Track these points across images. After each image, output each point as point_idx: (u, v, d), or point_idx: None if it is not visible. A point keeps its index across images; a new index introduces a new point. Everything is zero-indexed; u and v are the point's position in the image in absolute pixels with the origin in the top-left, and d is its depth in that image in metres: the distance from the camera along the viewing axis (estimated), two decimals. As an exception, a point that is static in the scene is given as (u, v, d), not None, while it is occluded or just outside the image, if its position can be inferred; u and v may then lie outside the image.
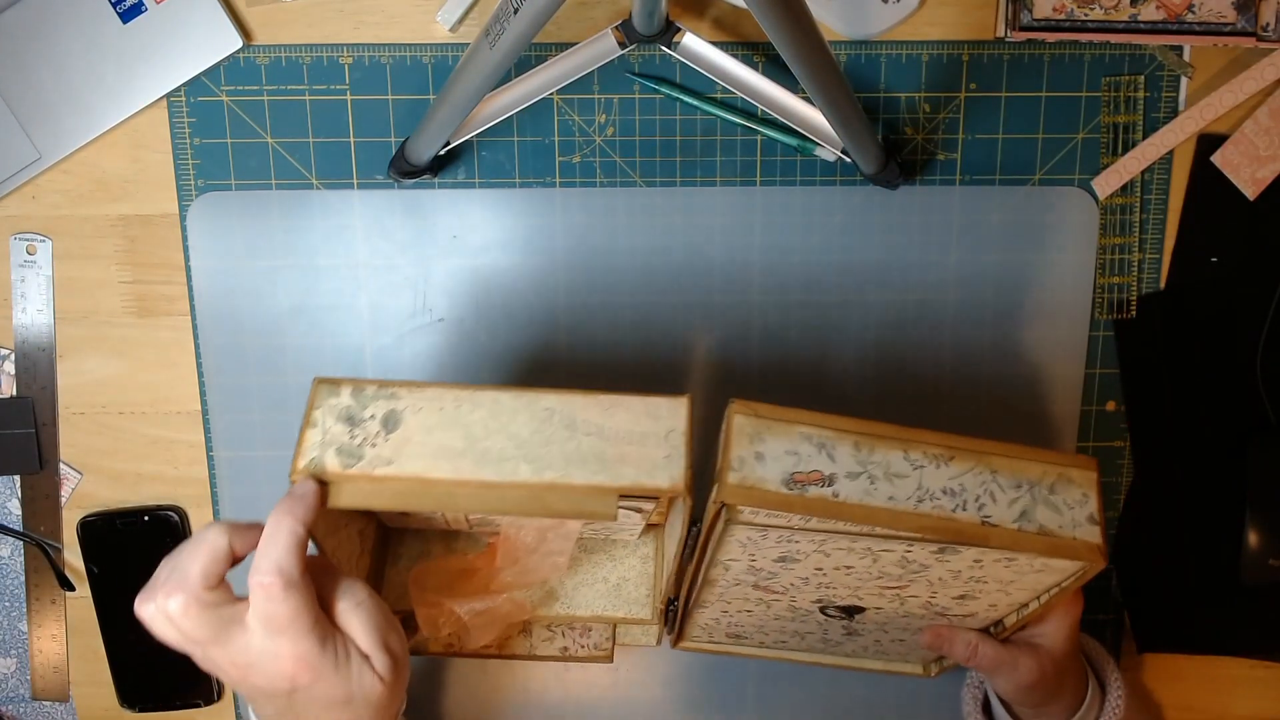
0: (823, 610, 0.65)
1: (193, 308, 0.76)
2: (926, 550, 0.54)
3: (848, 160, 0.71)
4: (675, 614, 0.68)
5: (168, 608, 0.50)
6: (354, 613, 0.53)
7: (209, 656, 0.52)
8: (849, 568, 0.57)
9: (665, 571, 0.63)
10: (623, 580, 0.67)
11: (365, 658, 0.53)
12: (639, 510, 0.57)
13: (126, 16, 0.71)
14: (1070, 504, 0.54)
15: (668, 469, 0.52)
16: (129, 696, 0.81)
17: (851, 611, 0.65)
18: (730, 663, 0.80)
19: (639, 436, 0.53)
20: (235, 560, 0.52)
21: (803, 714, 0.82)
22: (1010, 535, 0.53)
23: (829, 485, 0.52)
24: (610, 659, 0.73)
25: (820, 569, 0.57)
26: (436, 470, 0.52)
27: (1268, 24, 0.70)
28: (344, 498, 0.52)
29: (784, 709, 0.82)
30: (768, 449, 0.52)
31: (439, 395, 0.53)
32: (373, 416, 0.53)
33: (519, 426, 0.53)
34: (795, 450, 0.52)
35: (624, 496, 0.52)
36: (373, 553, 0.65)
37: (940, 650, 0.68)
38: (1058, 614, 0.66)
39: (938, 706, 0.80)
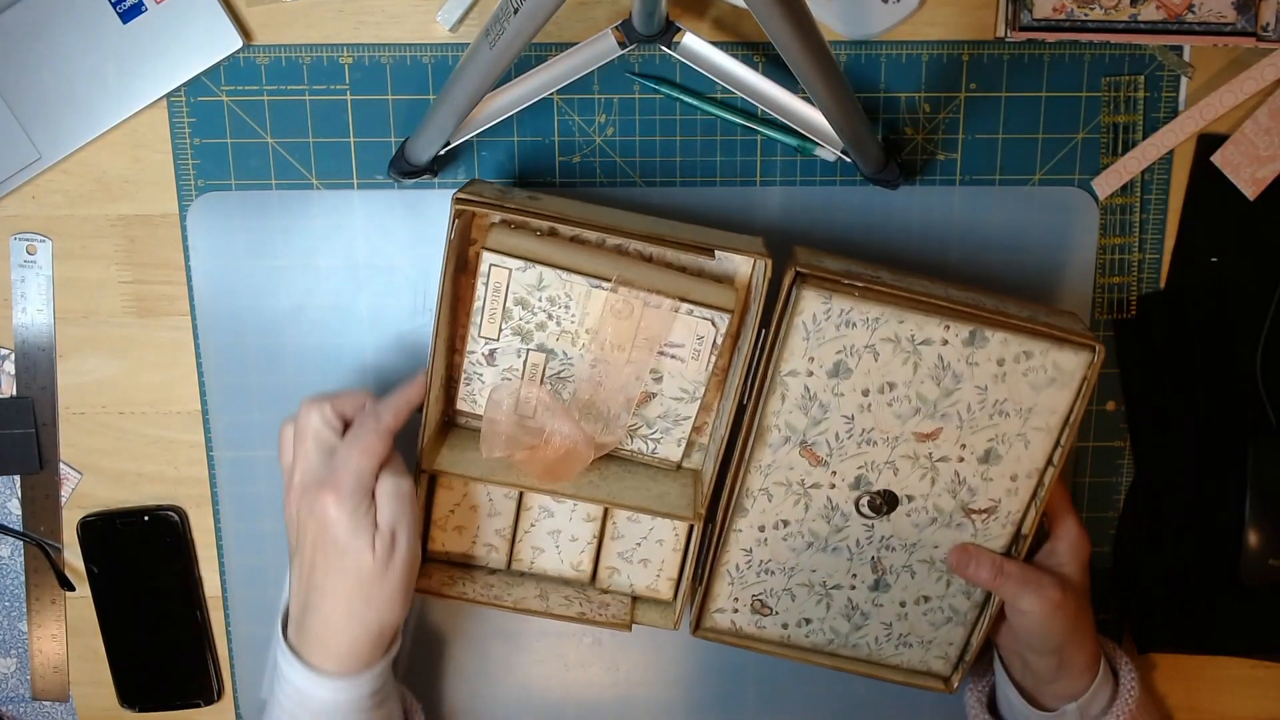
0: (858, 507, 0.69)
1: (193, 308, 0.76)
2: (958, 342, 0.64)
3: (848, 160, 0.71)
4: (713, 530, 0.71)
5: (316, 405, 0.66)
6: (389, 493, 0.64)
7: (295, 456, 0.66)
8: (891, 386, 0.66)
9: (706, 480, 0.71)
10: (664, 494, 0.71)
11: (375, 528, 0.63)
12: (711, 323, 0.67)
13: (126, 16, 0.71)
14: (1066, 320, 0.67)
15: (752, 245, 0.67)
16: (129, 696, 0.81)
17: (887, 503, 0.69)
18: (731, 663, 0.80)
19: (730, 240, 0.68)
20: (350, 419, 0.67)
21: (803, 715, 0.82)
22: (1024, 323, 0.64)
23: (875, 282, 0.65)
24: (629, 628, 0.73)
25: (866, 394, 0.66)
26: (571, 211, 0.66)
27: (1268, 24, 0.70)
28: (494, 239, 0.66)
29: (785, 709, 0.82)
30: (824, 260, 0.67)
31: (569, 200, 0.70)
32: (518, 195, 0.68)
33: (635, 215, 0.70)
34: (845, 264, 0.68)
35: (699, 305, 0.66)
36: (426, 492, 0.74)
37: (967, 572, 0.69)
38: (1070, 542, 0.70)
39: (939, 708, 0.80)
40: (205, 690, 0.81)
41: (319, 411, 0.66)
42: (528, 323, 0.68)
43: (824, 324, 0.64)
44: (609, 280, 0.66)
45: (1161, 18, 0.70)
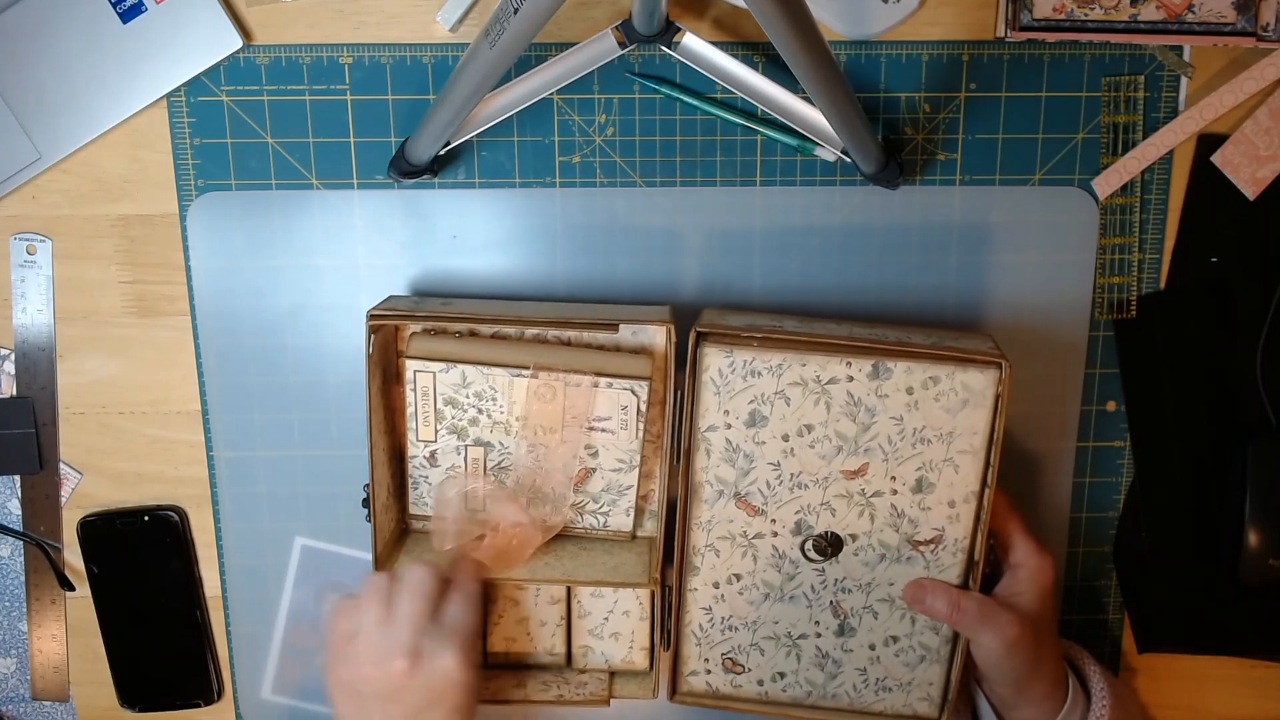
0: (804, 552, 0.70)
1: (193, 308, 0.76)
2: (863, 377, 0.66)
3: (848, 160, 0.71)
4: (671, 593, 0.71)
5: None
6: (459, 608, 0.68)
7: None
8: (809, 428, 0.67)
9: (659, 544, 0.72)
10: (619, 565, 0.72)
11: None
12: (631, 392, 0.69)
13: (126, 16, 0.71)
14: (974, 341, 0.68)
15: (660, 314, 0.69)
16: (129, 696, 0.81)
17: (832, 545, 0.69)
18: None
19: (635, 314, 0.70)
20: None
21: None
22: (926, 349, 0.66)
23: (775, 331, 0.67)
24: (606, 703, 0.74)
25: (786, 439, 0.68)
26: (482, 310, 0.69)
27: (1268, 24, 0.70)
28: (415, 347, 0.70)
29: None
30: (727, 317, 0.70)
31: (482, 300, 0.74)
32: (432, 303, 0.72)
33: (544, 304, 0.72)
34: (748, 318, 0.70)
35: (617, 377, 0.69)
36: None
37: (923, 606, 0.69)
38: (1030, 570, 0.69)
39: None
40: (205, 690, 0.81)
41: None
42: (460, 420, 0.71)
43: (730, 377, 0.67)
44: (528, 368, 0.68)
45: (1161, 18, 0.70)
